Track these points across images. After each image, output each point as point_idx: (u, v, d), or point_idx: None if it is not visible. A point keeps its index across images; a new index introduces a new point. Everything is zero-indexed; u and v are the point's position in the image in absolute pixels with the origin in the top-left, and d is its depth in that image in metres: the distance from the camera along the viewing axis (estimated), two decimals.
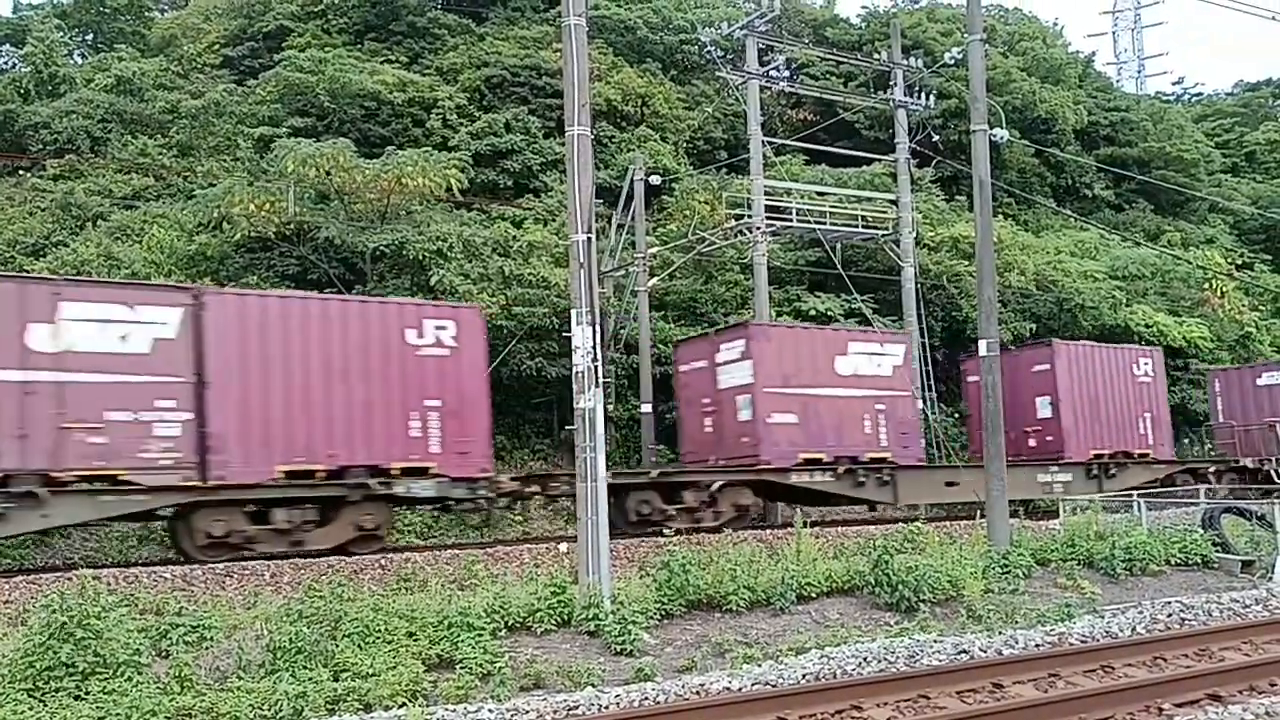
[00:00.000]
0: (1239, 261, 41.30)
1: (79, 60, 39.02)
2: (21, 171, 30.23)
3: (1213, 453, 29.92)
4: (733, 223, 26.93)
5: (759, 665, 10.01)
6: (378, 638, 9.90)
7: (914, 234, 28.67)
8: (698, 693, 9.04)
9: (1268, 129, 55.05)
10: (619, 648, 10.67)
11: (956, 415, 29.72)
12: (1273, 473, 27.09)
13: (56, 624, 8.77)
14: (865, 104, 32.04)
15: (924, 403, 25.21)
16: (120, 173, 29.78)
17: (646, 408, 25.56)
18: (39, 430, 13.87)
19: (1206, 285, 36.13)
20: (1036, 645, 10.81)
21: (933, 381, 27.39)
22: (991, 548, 15.12)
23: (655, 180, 28.30)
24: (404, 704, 8.69)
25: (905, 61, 28.56)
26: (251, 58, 38.11)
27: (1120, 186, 44.80)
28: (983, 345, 16.16)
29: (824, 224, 27.56)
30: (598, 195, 15.79)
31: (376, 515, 16.26)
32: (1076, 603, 13.31)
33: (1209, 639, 10.88)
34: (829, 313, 28.65)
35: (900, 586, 12.67)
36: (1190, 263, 36.89)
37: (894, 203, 28.92)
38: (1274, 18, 21.66)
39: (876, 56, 30.29)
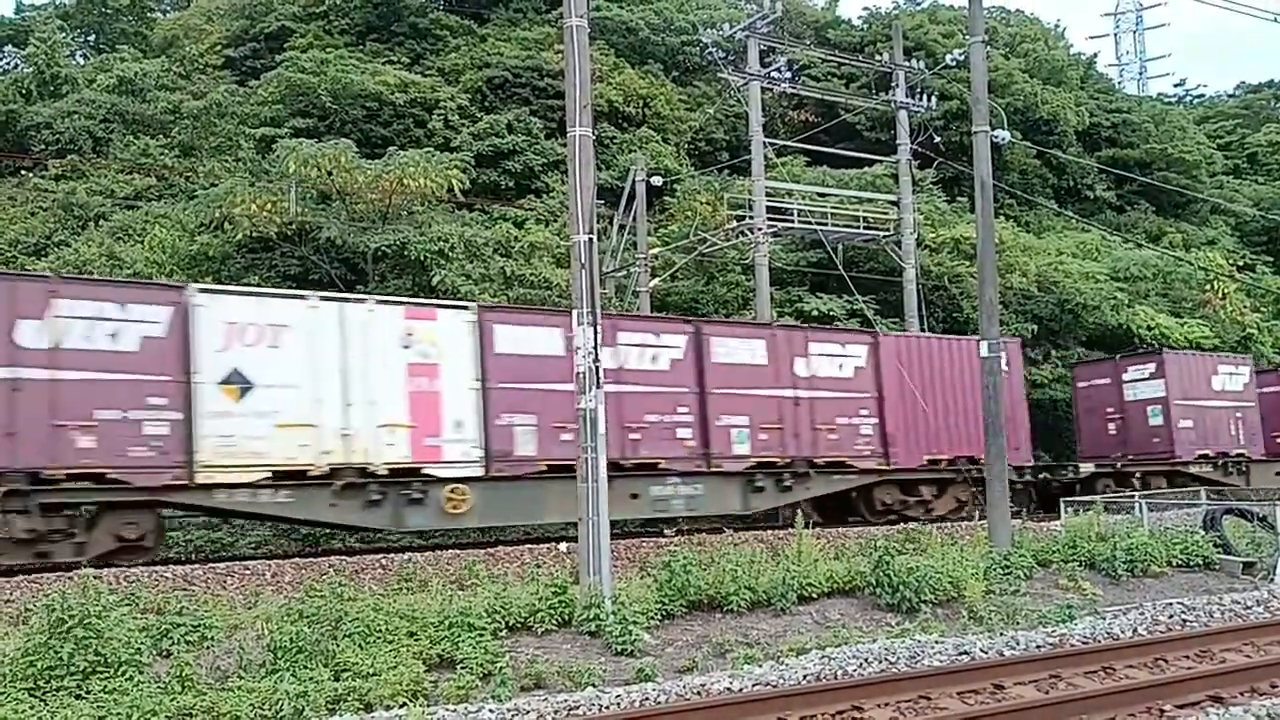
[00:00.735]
0: (1240, 263, 41.28)
1: (81, 61, 39.08)
2: (24, 172, 30.29)
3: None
4: (734, 224, 26.95)
5: (760, 666, 10.00)
6: (378, 637, 9.89)
7: (915, 235, 28.68)
8: (699, 693, 9.03)
9: (1269, 131, 55.04)
10: (620, 648, 10.66)
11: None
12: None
13: (57, 623, 8.77)
14: (867, 105, 32.05)
15: None
16: (122, 173, 29.81)
17: None
18: None
19: (1208, 287, 36.12)
20: (1038, 646, 10.80)
21: None
22: (993, 549, 15.10)
23: (657, 181, 28.34)
24: (405, 704, 8.68)
25: (907, 63, 28.57)
26: (253, 58, 38.16)
27: (1122, 188, 44.79)
28: (983, 347, 16.16)
29: (825, 225, 27.58)
30: (599, 196, 15.81)
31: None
32: (1078, 604, 13.30)
33: (1210, 640, 10.86)
34: (830, 314, 28.65)
35: (901, 587, 12.65)
36: (1192, 264, 36.88)
37: (895, 204, 28.93)
38: (1276, 19, 21.66)
39: (878, 58, 30.30)
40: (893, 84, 28.12)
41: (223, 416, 14.58)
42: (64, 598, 9.08)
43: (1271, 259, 44.47)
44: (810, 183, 30.82)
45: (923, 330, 27.15)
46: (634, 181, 27.52)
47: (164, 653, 9.56)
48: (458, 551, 15.98)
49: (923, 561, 13.56)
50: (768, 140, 26.99)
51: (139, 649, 9.10)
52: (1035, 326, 31.38)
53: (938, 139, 28.59)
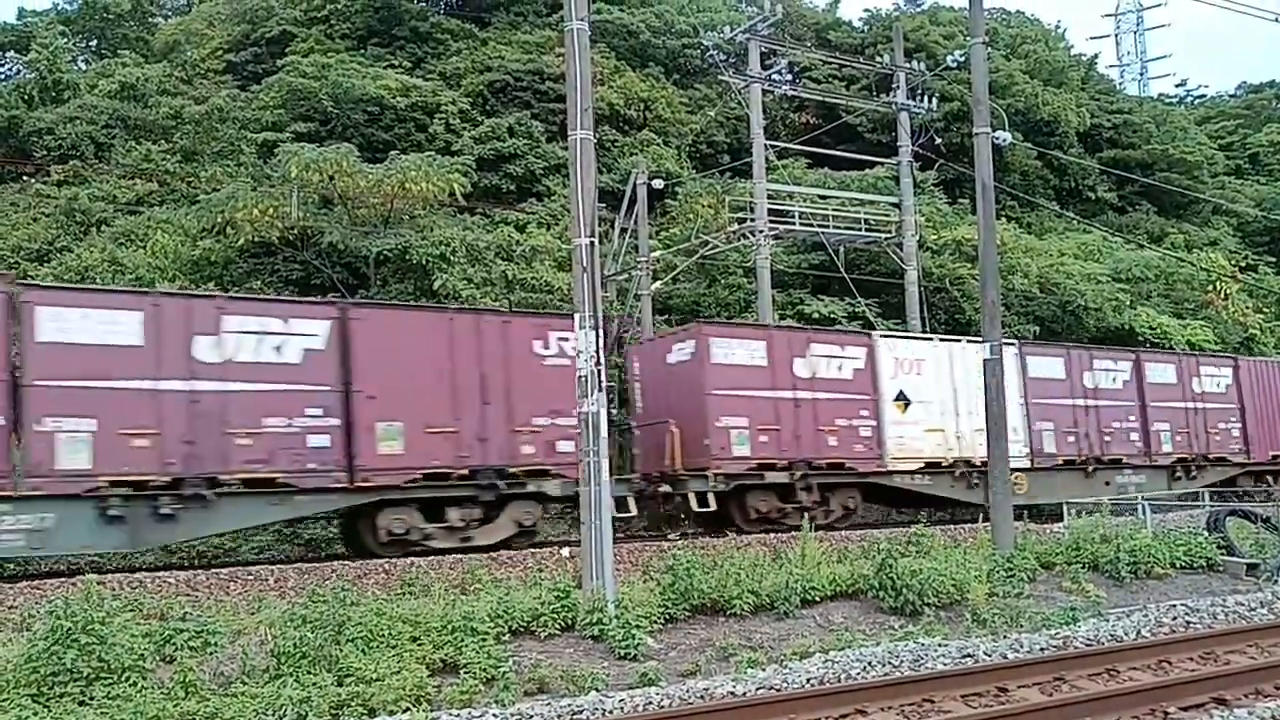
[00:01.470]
0: (1243, 263, 41.25)
1: (83, 66, 39.13)
2: (26, 177, 30.32)
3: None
4: (735, 226, 26.95)
5: (763, 669, 10.00)
6: (382, 642, 9.90)
7: (917, 237, 28.67)
8: (702, 697, 9.03)
9: (1271, 131, 55.02)
10: (623, 652, 10.66)
11: None
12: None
13: (61, 629, 8.77)
14: (868, 107, 32.04)
15: None
16: (124, 178, 29.84)
17: None
18: None
19: (1210, 287, 36.10)
20: (1041, 649, 10.79)
21: None
22: (996, 551, 15.08)
23: (658, 184, 28.33)
24: (408, 708, 8.69)
25: (907, 65, 28.57)
26: (255, 63, 38.20)
27: (1123, 189, 44.79)
28: (986, 348, 16.14)
29: (827, 227, 27.58)
30: (600, 199, 15.82)
31: None
32: (1081, 606, 13.30)
33: (1214, 642, 10.85)
34: (831, 316, 28.64)
35: (905, 590, 12.65)
36: (1194, 265, 36.85)
37: (897, 206, 28.92)
38: (1277, 19, 21.65)
39: (879, 60, 30.29)
40: (893, 86, 28.11)
41: (896, 424, 20.63)
42: (67, 604, 9.09)
43: (1274, 259, 44.46)
44: (812, 185, 30.83)
45: (924, 331, 27.16)
46: (635, 184, 27.53)
47: (167, 658, 9.56)
48: (460, 556, 15.98)
49: (926, 564, 13.56)
50: (769, 143, 26.99)
51: (142, 655, 9.11)
52: (1037, 328, 31.35)
53: (939, 140, 28.61)
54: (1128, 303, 33.51)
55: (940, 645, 10.79)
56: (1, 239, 25.75)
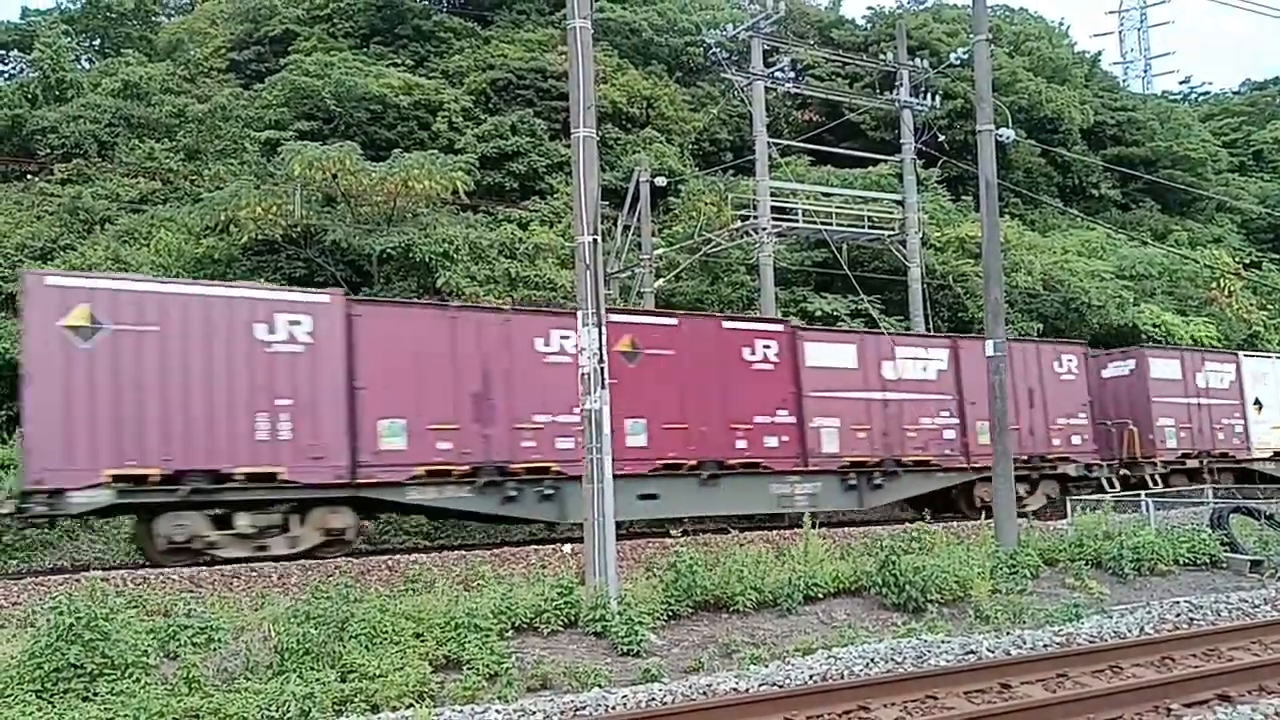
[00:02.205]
0: (1246, 260, 41.19)
1: (86, 65, 39.14)
2: (29, 176, 30.35)
3: None
4: (738, 224, 26.94)
5: (766, 666, 10.00)
6: (385, 639, 9.91)
7: (920, 234, 28.64)
8: (704, 693, 9.03)
9: (1275, 128, 54.87)
10: (626, 648, 10.67)
11: None
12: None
13: (64, 625, 8.79)
14: (871, 105, 32.01)
15: None
16: (127, 177, 29.87)
17: None
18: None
19: (1214, 284, 36.05)
20: (1044, 645, 10.77)
21: None
22: (999, 548, 15.07)
23: (661, 182, 28.32)
24: (411, 704, 8.70)
25: (911, 62, 28.53)
26: (258, 62, 38.24)
27: (1127, 186, 44.71)
28: (989, 346, 16.13)
29: (830, 225, 27.55)
30: (603, 197, 15.79)
31: None
32: (1084, 603, 13.28)
33: (1218, 639, 10.83)
34: (835, 313, 28.63)
35: (908, 587, 12.64)
36: (1198, 262, 36.80)
37: (900, 203, 28.90)
38: None
39: (882, 57, 30.31)
40: (897, 83, 28.08)
41: (1255, 424, 26.93)
42: (71, 600, 9.11)
43: (1278, 256, 44.35)
44: (814, 182, 30.80)
45: (927, 329, 27.13)
46: (638, 182, 27.52)
47: (171, 655, 9.58)
48: (464, 553, 15.99)
49: (929, 561, 13.55)
50: (772, 140, 26.96)
51: (146, 651, 9.13)
52: (1040, 325, 31.32)
53: (942, 138, 28.54)
54: (1131, 300, 33.47)
55: (943, 642, 10.79)
56: (5, 237, 25.77)
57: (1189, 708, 8.44)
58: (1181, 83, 69.56)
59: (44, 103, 32.50)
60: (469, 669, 9.63)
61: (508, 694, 9.17)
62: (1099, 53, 57.11)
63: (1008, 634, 11.33)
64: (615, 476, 12.18)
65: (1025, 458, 21.59)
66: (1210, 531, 16.68)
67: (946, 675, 9.25)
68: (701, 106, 38.57)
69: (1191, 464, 25.36)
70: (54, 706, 8.23)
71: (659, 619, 11.51)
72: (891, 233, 28.21)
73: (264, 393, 14.75)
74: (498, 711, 8.51)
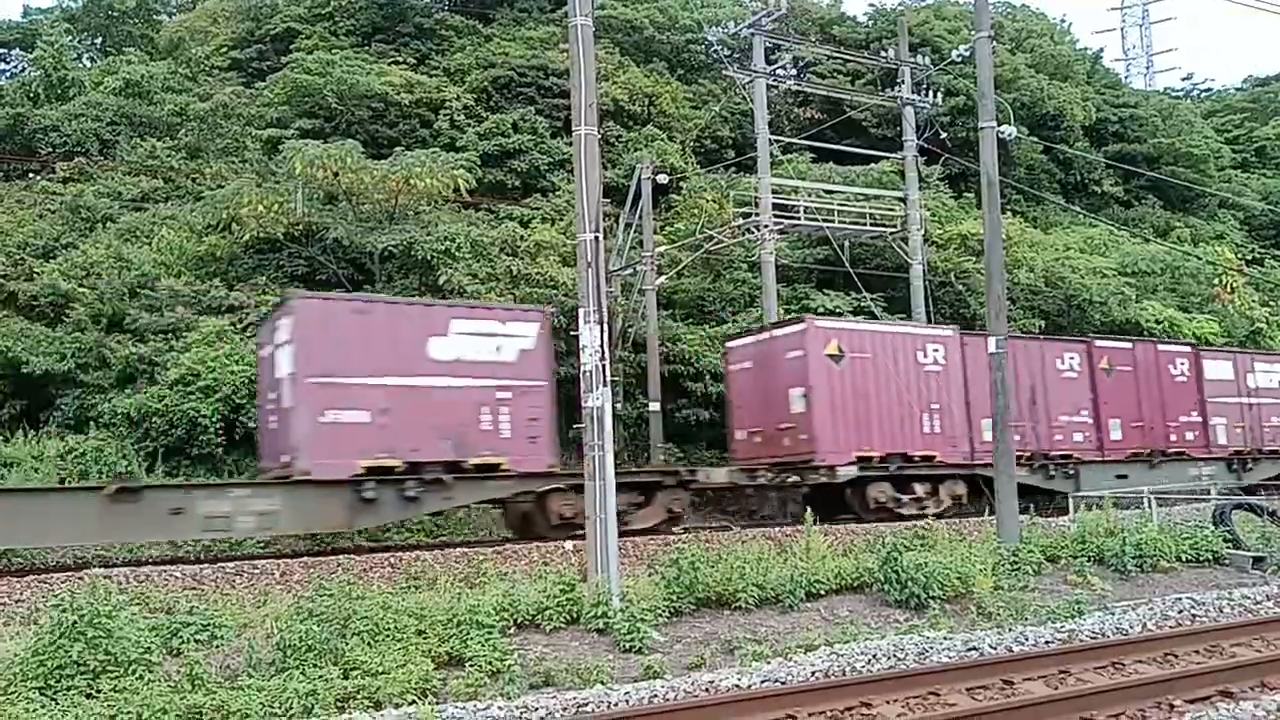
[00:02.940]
0: (1249, 257, 41.14)
1: (88, 64, 39.18)
2: (31, 174, 30.38)
3: None
4: (740, 221, 26.92)
5: (768, 663, 10.00)
6: (387, 635, 9.91)
7: (922, 231, 28.62)
8: (707, 690, 9.03)
9: (1277, 124, 54.82)
10: (628, 645, 10.68)
11: None
12: None
13: (67, 623, 8.80)
14: (873, 102, 31.98)
15: None
16: (129, 175, 29.88)
17: (655, 406, 25.54)
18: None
19: (1217, 281, 36.00)
20: (1047, 642, 10.78)
21: None
22: (1001, 544, 15.07)
23: (663, 179, 28.28)
24: (414, 701, 8.70)
25: (912, 59, 28.52)
26: (259, 60, 38.25)
27: (1129, 183, 44.65)
28: (991, 342, 16.12)
29: (832, 222, 27.52)
30: (605, 194, 15.81)
31: None
32: (1087, 599, 13.26)
33: (1220, 635, 10.83)
34: (837, 310, 28.61)
35: (910, 584, 12.64)
36: (1200, 258, 36.76)
37: (902, 200, 28.88)
38: None
39: (884, 54, 30.27)
40: (898, 80, 28.07)
41: None
42: (74, 597, 9.12)
43: None
44: (816, 180, 30.76)
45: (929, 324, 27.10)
46: (640, 180, 27.50)
47: (174, 652, 9.60)
48: (466, 550, 16.01)
49: (931, 558, 13.55)
50: (773, 137, 26.95)
51: (149, 648, 9.14)
52: (1043, 322, 31.31)
53: (944, 135, 28.57)
54: (1134, 297, 33.44)
55: (945, 638, 10.79)
56: (7, 235, 25.80)
57: (1191, 704, 8.43)
58: (1184, 79, 69.70)
59: (46, 101, 32.53)
60: (472, 666, 9.63)
61: (510, 691, 9.17)
62: (1101, 49, 57.42)
63: (1010, 631, 11.33)
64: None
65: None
66: (1213, 528, 16.67)
67: (949, 672, 9.25)
68: (703, 104, 38.52)
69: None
70: (57, 704, 8.23)
71: (661, 616, 11.52)
72: (893, 230, 28.19)
73: (923, 399, 21.15)
74: (500, 708, 8.51)
